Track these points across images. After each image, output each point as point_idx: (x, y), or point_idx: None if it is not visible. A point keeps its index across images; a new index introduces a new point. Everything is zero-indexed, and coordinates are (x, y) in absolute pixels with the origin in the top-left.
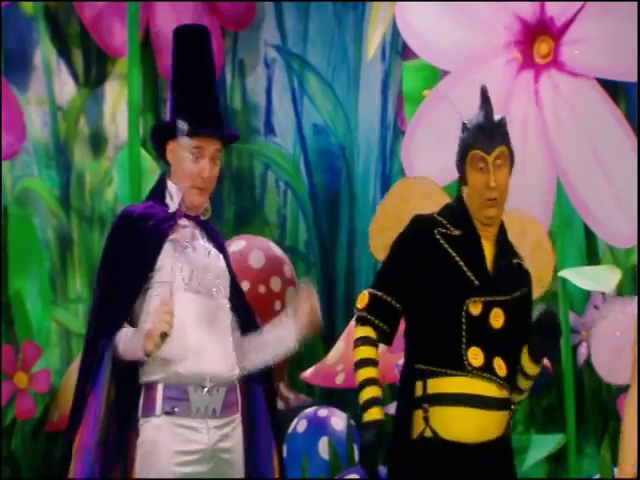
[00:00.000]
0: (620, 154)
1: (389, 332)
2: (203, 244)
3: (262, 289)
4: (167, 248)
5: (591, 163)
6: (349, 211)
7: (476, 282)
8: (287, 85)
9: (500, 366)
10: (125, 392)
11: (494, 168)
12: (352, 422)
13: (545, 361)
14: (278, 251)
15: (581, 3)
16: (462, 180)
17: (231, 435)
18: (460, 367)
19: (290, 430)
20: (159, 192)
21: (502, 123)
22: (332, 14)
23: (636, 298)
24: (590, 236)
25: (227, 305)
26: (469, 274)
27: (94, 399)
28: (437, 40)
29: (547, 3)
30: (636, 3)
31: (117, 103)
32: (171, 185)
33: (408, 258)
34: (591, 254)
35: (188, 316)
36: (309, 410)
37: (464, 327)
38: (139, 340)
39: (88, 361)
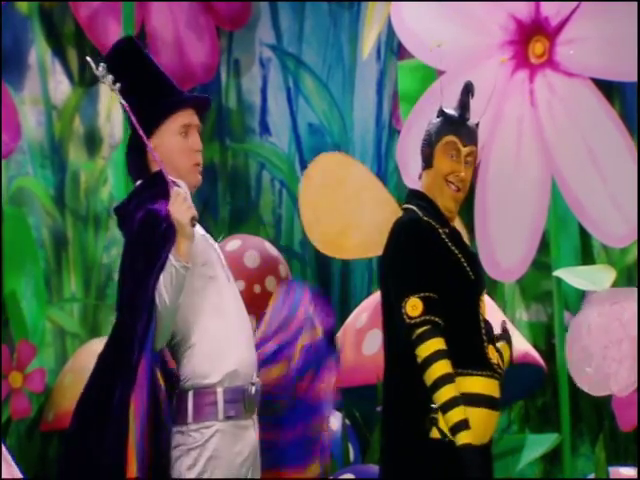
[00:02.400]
0: (615, 154)
1: (443, 326)
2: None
3: (257, 289)
4: (201, 242)
5: (586, 163)
6: None
7: (473, 277)
8: (282, 84)
9: (500, 359)
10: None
11: (465, 161)
12: (347, 421)
13: (540, 360)
14: (273, 251)
15: (576, 3)
16: (426, 163)
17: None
18: (487, 366)
19: None
20: (164, 190)
21: (477, 126)
22: (327, 14)
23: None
24: (585, 236)
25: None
26: (469, 271)
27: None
28: (432, 39)
29: (542, 3)
30: (636, 3)
31: (112, 102)
32: (176, 180)
33: (428, 261)
34: (586, 254)
35: (232, 308)
36: None
37: (483, 325)
38: (172, 258)
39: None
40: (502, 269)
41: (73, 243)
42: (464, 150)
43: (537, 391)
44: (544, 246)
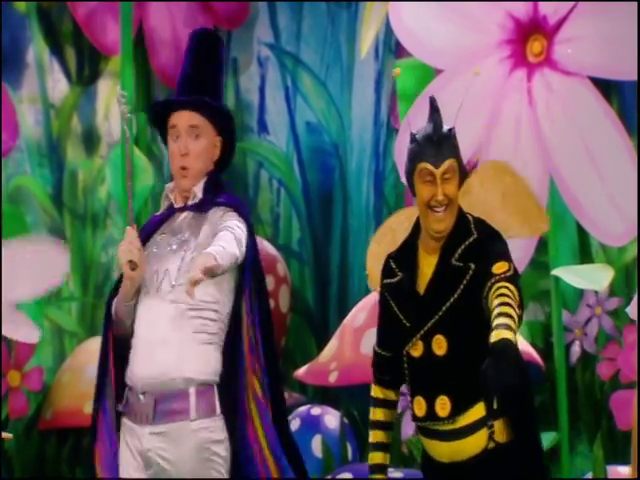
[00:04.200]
0: (612, 152)
1: (389, 380)
2: (175, 238)
3: None
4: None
5: (584, 161)
6: (342, 209)
7: (407, 324)
8: (280, 83)
9: (443, 405)
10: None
11: (442, 182)
12: (345, 420)
13: (538, 359)
14: (271, 249)
15: (574, 2)
16: (412, 191)
17: (173, 445)
18: (413, 417)
19: None
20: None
21: (451, 135)
22: (325, 13)
23: None
24: (583, 234)
25: (186, 304)
26: (404, 320)
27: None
28: (430, 38)
29: (540, 2)
30: (634, 2)
31: (110, 101)
32: (167, 186)
33: (382, 313)
34: (584, 252)
35: (139, 321)
36: (302, 408)
37: (407, 378)
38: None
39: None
40: None
41: (71, 242)
42: (438, 171)
43: (535, 390)
44: (542, 245)
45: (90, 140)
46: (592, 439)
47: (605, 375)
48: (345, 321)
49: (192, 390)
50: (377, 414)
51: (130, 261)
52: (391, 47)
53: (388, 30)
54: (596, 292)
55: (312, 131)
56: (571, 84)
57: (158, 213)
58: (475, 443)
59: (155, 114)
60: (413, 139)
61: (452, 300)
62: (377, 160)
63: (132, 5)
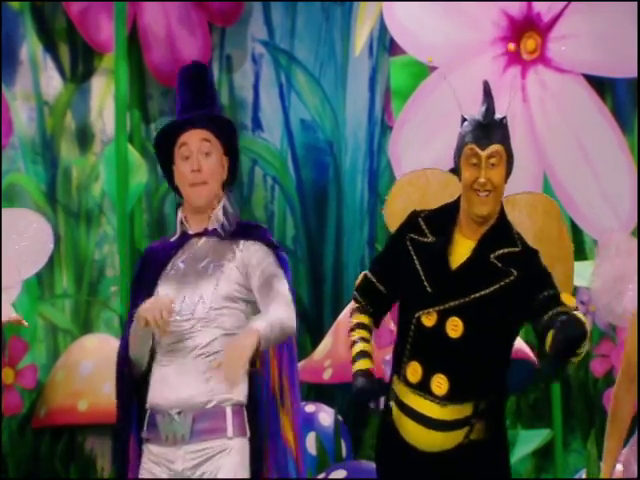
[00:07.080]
0: (606, 150)
1: (373, 312)
2: (202, 264)
3: None
4: (163, 278)
5: (577, 158)
6: (336, 206)
7: (429, 289)
8: (274, 80)
9: (440, 384)
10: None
11: (487, 165)
12: (339, 418)
13: (532, 356)
14: None
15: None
16: (458, 175)
17: (210, 462)
18: (404, 379)
19: None
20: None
21: (502, 122)
22: (320, 10)
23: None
24: (576, 231)
25: (212, 327)
26: (425, 283)
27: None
28: (425, 36)
29: (534, 0)
30: (636, 3)
31: (104, 98)
32: (179, 212)
33: (392, 255)
34: (577, 249)
35: (167, 347)
36: None
37: (410, 340)
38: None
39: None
40: None
41: (65, 239)
42: (484, 153)
43: (529, 387)
44: None
45: (84, 137)
46: (586, 436)
47: (599, 372)
48: (339, 318)
49: (229, 409)
50: (357, 333)
51: (146, 321)
52: (385, 44)
53: (382, 27)
54: (589, 289)
55: (306, 128)
56: (565, 81)
57: (171, 239)
58: (454, 437)
59: (162, 138)
60: (463, 121)
61: (483, 293)
62: (371, 157)
63: (126, 2)
